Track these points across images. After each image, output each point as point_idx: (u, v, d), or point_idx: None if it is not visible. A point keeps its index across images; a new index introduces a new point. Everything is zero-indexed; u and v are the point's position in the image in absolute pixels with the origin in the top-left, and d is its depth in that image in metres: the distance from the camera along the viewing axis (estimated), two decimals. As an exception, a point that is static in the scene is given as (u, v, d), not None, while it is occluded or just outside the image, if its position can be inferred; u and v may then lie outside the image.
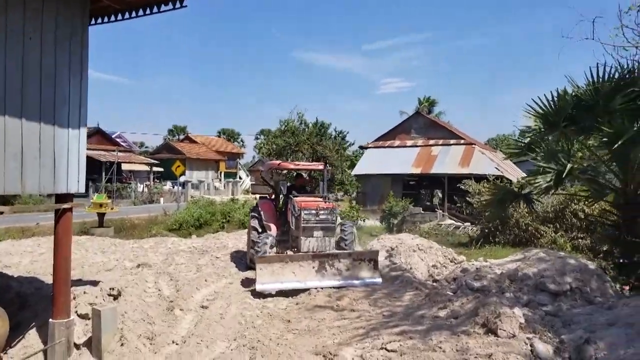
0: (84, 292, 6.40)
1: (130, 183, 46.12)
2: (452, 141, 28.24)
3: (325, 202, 10.01)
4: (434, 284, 8.42)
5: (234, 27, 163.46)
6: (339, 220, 9.93)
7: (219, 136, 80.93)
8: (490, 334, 4.77)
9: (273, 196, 11.23)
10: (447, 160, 26.48)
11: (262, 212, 10.42)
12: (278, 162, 11.29)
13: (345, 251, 9.09)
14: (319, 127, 24.15)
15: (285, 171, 12.43)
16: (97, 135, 49.19)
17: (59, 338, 5.68)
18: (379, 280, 8.33)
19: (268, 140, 25.25)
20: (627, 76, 8.69)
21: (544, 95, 9.19)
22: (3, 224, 20.31)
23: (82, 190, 6.03)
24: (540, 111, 9.33)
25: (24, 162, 5.20)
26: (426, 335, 5.06)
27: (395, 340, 5.01)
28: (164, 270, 9.88)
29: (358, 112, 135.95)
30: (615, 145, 8.05)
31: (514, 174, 25.12)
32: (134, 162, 50.34)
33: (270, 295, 8.00)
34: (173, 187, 48.26)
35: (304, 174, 12.05)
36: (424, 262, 8.92)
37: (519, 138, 10.12)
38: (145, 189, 46.38)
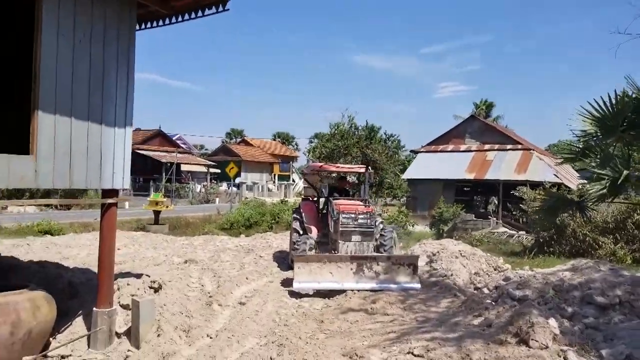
0: (127, 284, 6.69)
1: (188, 183, 47.71)
2: (508, 146, 27.34)
3: (365, 205, 9.96)
4: (475, 291, 8.19)
5: (287, 29, 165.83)
6: (379, 223, 9.90)
7: (274, 139, 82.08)
8: (522, 344, 4.59)
9: (315, 198, 11.34)
10: (502, 166, 25.68)
11: (303, 214, 10.51)
12: (320, 164, 11.43)
13: (384, 254, 8.97)
14: (368, 131, 24.08)
15: (334, 174, 12.45)
16: (159, 137, 51.40)
17: (100, 326, 5.97)
18: (418, 285, 8.17)
19: (319, 143, 25.47)
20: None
21: (600, 97, 8.70)
22: (67, 218, 21.61)
23: (127, 186, 6.32)
24: (597, 114, 8.85)
25: (72, 159, 5.52)
26: (457, 342, 4.93)
27: (424, 346, 4.91)
28: (208, 267, 10.17)
29: (413, 116, 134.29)
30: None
31: (574, 181, 23.96)
32: (192, 163, 52.08)
33: (307, 295, 8.08)
34: (228, 188, 49.62)
35: (347, 177, 12.06)
36: (466, 269, 8.69)
37: (574, 142, 9.65)
38: (203, 189, 47.94)
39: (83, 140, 5.65)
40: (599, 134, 9.27)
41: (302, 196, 14.18)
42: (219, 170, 54.27)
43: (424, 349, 4.87)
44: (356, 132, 23.87)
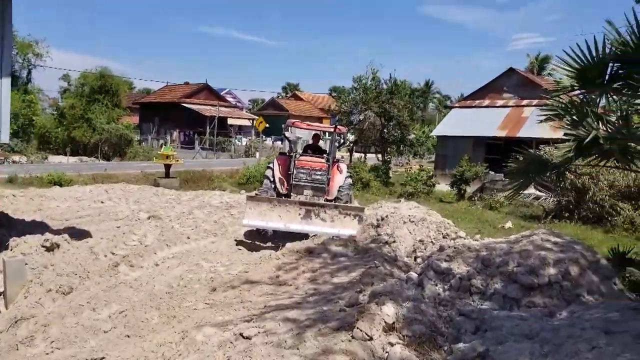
0: (24, 242, 6.60)
1: (231, 137, 48.11)
2: (549, 101, 25.11)
3: (327, 163, 10.29)
4: (415, 261, 7.50)
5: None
6: (345, 179, 10.47)
7: (330, 94, 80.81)
8: (349, 331, 3.97)
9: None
10: (538, 124, 23.70)
11: (277, 167, 10.80)
12: (293, 121, 11.94)
13: (332, 203, 9.54)
14: (392, 85, 22.74)
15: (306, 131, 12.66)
16: (205, 91, 51.78)
17: (-19, 285, 5.91)
18: (354, 233, 8.45)
19: (341, 97, 24.52)
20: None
21: (577, 45, 7.43)
22: (91, 170, 22.27)
23: (6, 140, 6.10)
24: (575, 65, 7.59)
25: None
26: (300, 327, 4.36)
27: (262, 327, 4.40)
28: (166, 224, 10.03)
29: (485, 68, 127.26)
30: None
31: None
32: (237, 117, 52.38)
33: (243, 249, 8.58)
34: (273, 142, 49.65)
35: (321, 136, 12.09)
36: (412, 236, 7.92)
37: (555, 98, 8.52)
38: (250, 144, 48.28)
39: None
40: (576, 86, 8.10)
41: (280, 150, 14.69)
42: (267, 125, 54.31)
43: (260, 329, 4.38)
44: (378, 87, 22.67)
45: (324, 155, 11.14)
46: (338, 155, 19.59)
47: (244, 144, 48.53)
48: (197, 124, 48.11)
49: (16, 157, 26.80)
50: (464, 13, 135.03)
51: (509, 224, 14.31)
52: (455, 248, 6.85)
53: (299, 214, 8.97)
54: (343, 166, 10.81)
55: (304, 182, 9.93)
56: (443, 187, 23.01)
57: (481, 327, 4.36)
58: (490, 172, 22.39)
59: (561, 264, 5.92)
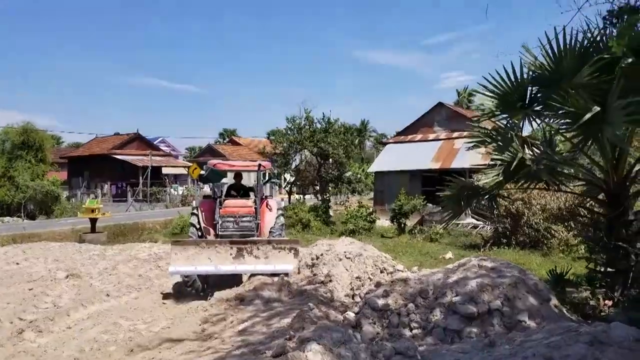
0: None
1: (166, 187, 46.59)
2: (476, 129, 26.09)
3: (254, 205, 9.63)
4: (352, 299, 7.12)
5: (288, 26, 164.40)
6: (276, 218, 9.92)
7: (268, 138, 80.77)
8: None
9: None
10: (470, 153, 24.43)
11: (202, 214, 10.02)
12: (215, 162, 11.13)
13: (265, 238, 9.04)
14: (326, 123, 22.83)
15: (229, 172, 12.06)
16: (137, 141, 50.15)
17: None
18: (291, 268, 8.18)
19: (276, 138, 24.33)
20: (594, 40, 6.91)
21: (496, 71, 7.58)
22: (5, 231, 20.53)
23: None
24: (496, 90, 7.71)
25: None
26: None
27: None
28: (84, 283, 9.17)
29: (415, 108, 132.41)
30: (576, 125, 6.50)
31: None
32: (173, 166, 50.99)
33: (170, 297, 8.13)
34: (211, 189, 48.48)
35: (242, 175, 11.43)
36: (349, 273, 7.56)
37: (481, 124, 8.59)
38: (186, 192, 46.81)
39: None
40: (498, 111, 8.22)
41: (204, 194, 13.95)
42: (203, 172, 53.08)
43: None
44: (312, 126, 22.70)
45: (251, 194, 10.60)
46: (278, 197, 19.16)
47: (180, 192, 47.06)
48: (129, 175, 46.32)
49: None
50: (396, 57, 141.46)
51: (449, 255, 14.31)
52: (392, 283, 6.57)
53: (230, 254, 8.36)
54: (272, 203, 10.21)
55: (231, 230, 9.24)
56: (384, 222, 23.03)
57: (419, 365, 4.01)
58: (428, 204, 22.69)
59: (499, 289, 5.76)
